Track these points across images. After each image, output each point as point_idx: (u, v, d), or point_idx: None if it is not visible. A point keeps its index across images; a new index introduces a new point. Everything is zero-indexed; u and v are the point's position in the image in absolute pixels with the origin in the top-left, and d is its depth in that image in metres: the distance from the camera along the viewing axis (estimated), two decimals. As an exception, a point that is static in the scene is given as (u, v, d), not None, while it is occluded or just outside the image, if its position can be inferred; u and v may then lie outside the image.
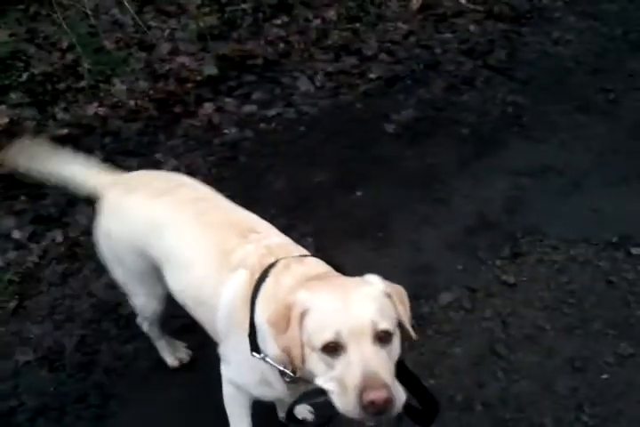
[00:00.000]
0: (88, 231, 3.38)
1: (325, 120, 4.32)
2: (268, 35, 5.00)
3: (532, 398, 2.54)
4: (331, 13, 5.27)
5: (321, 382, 1.50)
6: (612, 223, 3.37)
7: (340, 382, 1.44)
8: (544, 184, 3.74)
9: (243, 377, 1.88)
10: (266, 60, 4.76)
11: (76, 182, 2.37)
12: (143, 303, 2.37)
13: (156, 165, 3.72)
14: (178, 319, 2.59)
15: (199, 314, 2.02)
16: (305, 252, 1.95)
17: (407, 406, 1.48)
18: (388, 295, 1.59)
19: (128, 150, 3.95)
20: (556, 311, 2.92)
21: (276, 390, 1.78)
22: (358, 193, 3.70)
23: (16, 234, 3.35)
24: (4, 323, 2.92)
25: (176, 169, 3.60)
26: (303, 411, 2.41)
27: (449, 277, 3.10)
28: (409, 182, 3.78)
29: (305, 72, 4.71)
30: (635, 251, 3.18)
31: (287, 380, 1.64)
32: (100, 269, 3.15)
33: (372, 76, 4.72)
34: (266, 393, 1.85)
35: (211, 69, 4.50)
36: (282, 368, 1.62)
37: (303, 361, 1.51)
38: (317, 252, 3.20)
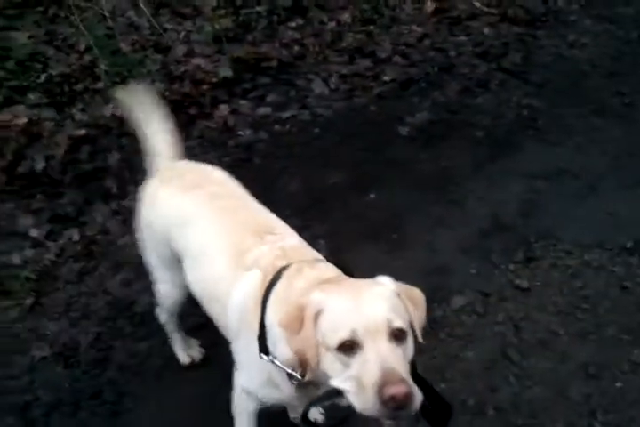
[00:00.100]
0: (104, 230, 3.46)
1: (340, 122, 4.34)
2: (282, 37, 5.02)
3: (544, 403, 2.53)
4: (345, 16, 5.28)
5: (336, 382, 1.49)
6: (627, 228, 3.35)
7: (358, 380, 1.43)
8: (559, 187, 3.73)
9: (250, 378, 1.89)
10: (280, 63, 4.78)
11: (151, 149, 2.47)
12: (167, 291, 2.41)
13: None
14: (193, 317, 2.63)
15: (212, 310, 2.05)
16: (318, 255, 1.96)
17: (423, 406, 1.47)
18: (399, 296, 1.59)
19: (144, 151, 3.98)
20: (569, 316, 2.90)
21: (283, 393, 1.78)
22: (372, 195, 3.71)
23: (34, 232, 3.39)
24: (21, 319, 2.96)
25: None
26: (314, 412, 2.42)
27: (462, 281, 3.10)
28: (423, 185, 3.78)
29: (319, 74, 4.73)
30: (650, 256, 3.16)
31: (295, 383, 1.64)
32: (116, 268, 3.22)
33: (386, 78, 4.73)
34: (273, 395, 1.84)
35: (226, 71, 4.52)
36: (290, 371, 1.62)
37: (318, 362, 1.51)
38: (330, 253, 3.23)
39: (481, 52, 5.06)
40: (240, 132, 4.21)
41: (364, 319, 1.47)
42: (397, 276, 3.09)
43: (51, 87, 4.26)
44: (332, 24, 5.21)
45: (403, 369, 1.44)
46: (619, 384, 2.57)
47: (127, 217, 3.52)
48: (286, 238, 1.97)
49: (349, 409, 1.47)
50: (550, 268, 3.16)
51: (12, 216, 3.50)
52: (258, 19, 5.12)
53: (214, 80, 4.47)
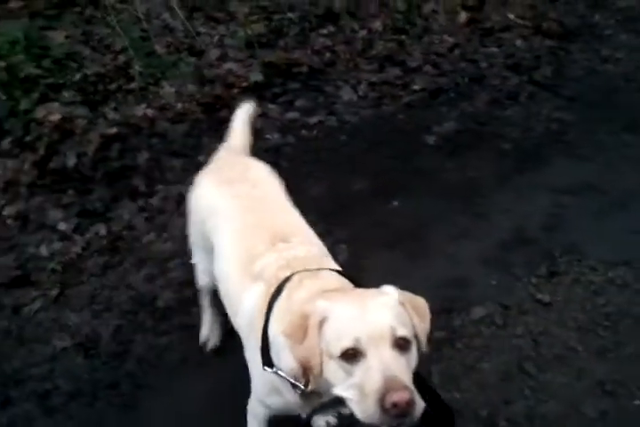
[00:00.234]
0: (130, 226, 3.53)
1: (367, 130, 4.36)
2: (314, 44, 5.07)
3: (558, 418, 2.50)
4: (377, 24, 5.31)
5: (339, 390, 1.49)
6: (654, 246, 3.30)
7: (360, 388, 1.43)
8: (586, 203, 3.68)
9: (257, 386, 1.92)
10: (311, 69, 4.83)
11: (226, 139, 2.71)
12: (201, 272, 2.58)
13: (199, 167, 3.80)
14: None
15: (226, 304, 2.10)
16: (329, 264, 1.96)
17: (425, 415, 1.46)
18: (403, 305, 1.59)
19: (173, 151, 4.05)
20: (589, 333, 2.86)
21: (288, 401, 1.78)
22: (396, 203, 3.72)
23: (62, 226, 3.48)
24: (45, 309, 3.04)
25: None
26: (318, 420, 2.42)
27: (482, 292, 3.08)
28: (448, 195, 3.78)
29: (349, 81, 4.77)
30: (676, 276, 3.10)
31: (298, 392, 1.65)
32: (140, 263, 3.28)
33: (415, 87, 4.75)
34: (278, 403, 1.85)
35: (257, 76, 4.58)
36: (294, 381, 1.63)
37: (321, 371, 1.51)
38: (351, 258, 3.26)
39: (512, 64, 5.05)
40: (268, 136, 4.26)
41: (368, 328, 1.47)
42: (417, 284, 3.08)
43: (85, 86, 4.37)
44: (364, 32, 5.25)
45: (406, 377, 1.44)
46: (636, 402, 2.52)
47: (153, 215, 3.60)
48: (296, 247, 1.96)
49: (354, 418, 1.47)
50: (573, 283, 3.12)
51: (43, 209, 3.59)
52: (290, 25, 5.19)
53: (245, 84, 4.53)
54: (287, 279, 1.80)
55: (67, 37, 4.75)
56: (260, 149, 4.14)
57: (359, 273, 3.13)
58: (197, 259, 2.56)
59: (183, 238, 3.38)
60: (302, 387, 1.60)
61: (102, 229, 3.47)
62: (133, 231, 3.49)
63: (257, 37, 4.94)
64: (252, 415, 2.14)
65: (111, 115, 4.18)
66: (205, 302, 2.76)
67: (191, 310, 2.98)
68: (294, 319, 1.59)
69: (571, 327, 2.89)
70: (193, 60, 4.73)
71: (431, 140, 4.24)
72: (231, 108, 4.35)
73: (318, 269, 1.84)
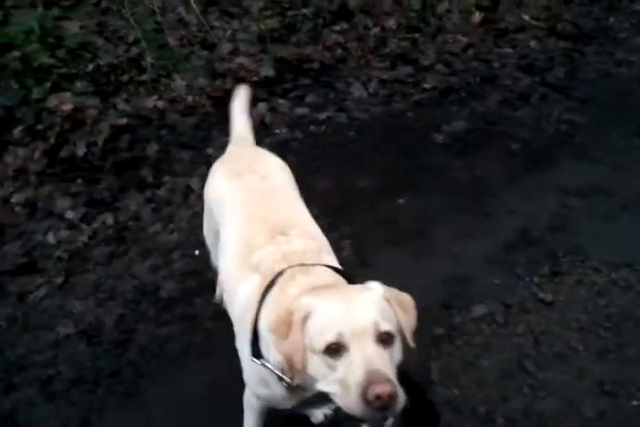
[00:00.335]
0: (137, 217, 3.56)
1: (376, 127, 4.36)
2: (326, 40, 5.08)
3: (556, 416, 2.49)
4: (391, 22, 5.31)
5: (322, 385, 1.51)
6: (659, 249, 3.28)
7: (343, 382, 1.44)
8: (593, 205, 3.66)
9: (247, 375, 1.93)
10: (322, 65, 4.84)
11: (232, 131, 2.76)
12: (212, 259, 2.65)
13: (207, 160, 3.83)
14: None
15: (225, 292, 2.13)
16: (328, 260, 1.96)
17: (406, 411, 1.47)
18: (388, 301, 1.60)
19: (182, 143, 4.08)
20: (591, 334, 2.85)
21: (275, 394, 1.80)
22: (402, 200, 3.72)
23: (69, 214, 3.52)
24: (50, 296, 3.08)
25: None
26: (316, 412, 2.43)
27: (484, 291, 3.08)
28: (455, 193, 3.77)
29: (359, 78, 4.77)
30: (680, 278, 3.09)
31: (285, 385, 1.66)
32: (145, 254, 3.30)
33: (426, 86, 4.74)
34: (266, 395, 1.87)
35: (268, 71, 4.60)
36: (280, 375, 1.64)
37: (305, 366, 1.52)
38: (355, 254, 3.27)
39: (525, 64, 5.03)
40: (276, 131, 4.27)
41: (351, 322, 1.48)
42: (420, 281, 3.11)
43: (97, 77, 4.41)
44: (377, 30, 5.25)
45: (389, 371, 1.45)
46: (635, 403, 2.51)
47: (160, 206, 3.63)
48: (295, 241, 1.97)
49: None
50: (576, 284, 3.11)
51: (51, 198, 3.63)
52: (303, 21, 5.20)
53: (256, 79, 4.54)
54: (281, 273, 1.81)
55: (81, 28, 4.79)
56: (269, 143, 4.18)
57: (363, 269, 3.18)
58: (209, 245, 2.62)
59: (189, 230, 3.43)
60: (288, 380, 1.62)
61: (109, 219, 3.50)
62: (140, 222, 3.52)
63: (269, 32, 4.96)
64: (247, 406, 2.17)
65: (122, 106, 4.22)
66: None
67: (194, 300, 3.01)
68: (280, 315, 1.61)
69: (572, 327, 2.88)
70: (205, 53, 4.75)
71: (440, 138, 4.24)
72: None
73: (313, 265, 1.85)
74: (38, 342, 2.86)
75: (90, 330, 2.90)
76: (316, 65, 4.82)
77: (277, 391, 1.75)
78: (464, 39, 5.30)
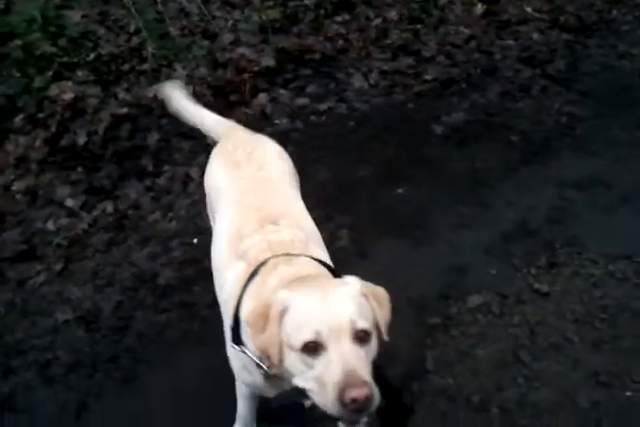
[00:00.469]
0: (136, 205, 3.58)
1: (376, 117, 4.36)
2: (327, 31, 5.06)
3: (550, 407, 2.51)
4: (392, 13, 5.29)
5: (299, 381, 1.52)
6: (656, 242, 3.28)
7: (320, 381, 1.46)
8: (591, 197, 3.66)
9: (231, 361, 1.94)
10: (323, 56, 4.83)
11: (205, 129, 2.81)
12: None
13: (207, 150, 3.84)
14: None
15: (214, 278, 2.14)
16: (315, 250, 1.96)
17: (380, 408, 1.49)
18: (365, 295, 1.61)
19: (182, 133, 4.07)
20: (586, 325, 2.86)
21: (255, 381, 1.81)
22: (400, 191, 3.72)
23: (69, 202, 3.54)
24: (49, 283, 3.10)
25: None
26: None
27: (481, 281, 3.09)
28: (453, 184, 3.78)
29: (360, 69, 4.77)
30: (677, 271, 3.09)
31: (262, 373, 1.68)
32: (144, 242, 3.32)
33: (427, 77, 4.73)
34: (250, 381, 1.89)
35: (269, 61, 4.58)
36: (258, 362, 1.66)
37: (281, 360, 1.53)
38: (352, 244, 3.29)
39: (526, 56, 5.00)
40: (277, 121, 4.28)
41: (329, 320, 1.49)
42: (417, 271, 3.12)
43: (98, 66, 4.41)
44: (378, 21, 5.23)
45: (365, 371, 1.46)
46: (629, 393, 2.53)
47: (159, 195, 3.64)
48: (283, 231, 1.97)
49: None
50: (572, 275, 3.12)
51: (52, 186, 3.65)
52: (305, 11, 5.18)
53: (257, 69, 4.53)
54: (264, 263, 1.81)
55: (83, 17, 4.78)
56: (269, 133, 4.17)
57: (360, 259, 3.20)
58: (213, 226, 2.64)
59: (187, 218, 3.45)
60: (266, 369, 1.63)
61: (109, 207, 3.52)
62: (139, 210, 3.53)
63: (271, 23, 4.94)
64: (238, 391, 2.20)
65: (123, 95, 4.22)
66: None
67: (192, 288, 3.03)
68: (257, 308, 1.62)
69: (568, 319, 2.89)
70: (206, 43, 4.74)
71: (440, 129, 4.24)
72: (241, 93, 4.44)
73: (297, 255, 1.85)
74: (37, 328, 2.89)
75: (88, 316, 2.92)
76: (317, 56, 4.81)
77: (257, 379, 1.77)
78: (466, 31, 5.28)
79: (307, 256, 1.87)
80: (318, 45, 4.89)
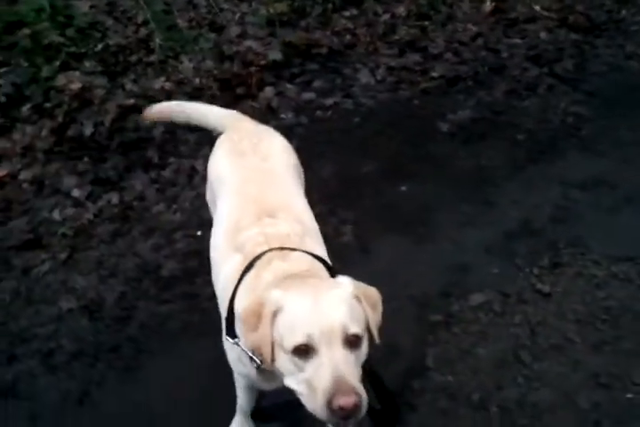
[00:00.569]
0: (141, 197, 3.59)
1: (382, 113, 4.35)
2: (335, 26, 5.05)
3: (550, 407, 2.51)
4: (401, 9, 5.27)
5: (289, 382, 1.54)
6: (660, 244, 3.28)
7: (309, 384, 1.47)
8: (597, 198, 3.65)
9: (227, 353, 1.96)
10: (330, 50, 4.81)
11: (210, 126, 2.82)
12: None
13: (212, 142, 3.84)
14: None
15: (212, 269, 2.14)
16: (311, 245, 1.95)
17: (370, 408, 1.51)
18: (357, 298, 1.61)
19: (188, 125, 4.08)
20: (588, 326, 2.86)
21: (249, 373, 1.83)
22: (404, 187, 3.72)
23: (75, 192, 3.55)
24: (53, 271, 3.12)
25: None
26: None
27: (483, 280, 3.09)
28: (458, 182, 3.78)
29: (367, 65, 4.76)
30: (680, 274, 3.09)
31: (255, 367, 1.69)
32: (148, 233, 3.34)
33: (434, 74, 4.71)
34: (245, 373, 1.90)
35: (276, 55, 4.57)
36: (251, 355, 1.66)
37: (273, 359, 1.55)
38: (355, 239, 3.29)
39: (534, 55, 4.98)
40: (282, 115, 4.27)
41: (321, 324, 1.49)
42: (419, 268, 3.12)
43: (106, 57, 4.40)
44: (387, 16, 5.21)
45: (354, 377, 1.47)
46: (629, 395, 2.53)
47: (164, 186, 3.65)
48: (280, 224, 1.97)
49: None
50: (575, 276, 3.12)
51: (58, 176, 3.66)
52: (313, 5, 5.16)
53: (263, 62, 4.52)
54: (260, 256, 1.81)
55: (91, 7, 4.78)
56: (274, 127, 4.17)
57: (363, 255, 3.21)
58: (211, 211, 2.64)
59: (192, 211, 3.46)
60: (258, 362, 1.64)
61: (114, 198, 3.53)
62: (144, 201, 3.54)
63: (278, 16, 4.93)
64: (237, 383, 2.21)
65: (129, 86, 4.22)
66: None
67: (194, 280, 3.04)
68: (250, 306, 1.62)
69: (570, 319, 2.89)
70: (213, 36, 4.73)
71: (445, 127, 4.23)
72: (248, 86, 4.43)
73: (293, 250, 1.85)
74: (41, 316, 2.91)
75: (91, 305, 2.94)
76: (324, 50, 4.80)
77: (251, 371, 1.78)
78: (474, 28, 5.26)
79: (302, 251, 1.87)
80: (325, 40, 4.87)
